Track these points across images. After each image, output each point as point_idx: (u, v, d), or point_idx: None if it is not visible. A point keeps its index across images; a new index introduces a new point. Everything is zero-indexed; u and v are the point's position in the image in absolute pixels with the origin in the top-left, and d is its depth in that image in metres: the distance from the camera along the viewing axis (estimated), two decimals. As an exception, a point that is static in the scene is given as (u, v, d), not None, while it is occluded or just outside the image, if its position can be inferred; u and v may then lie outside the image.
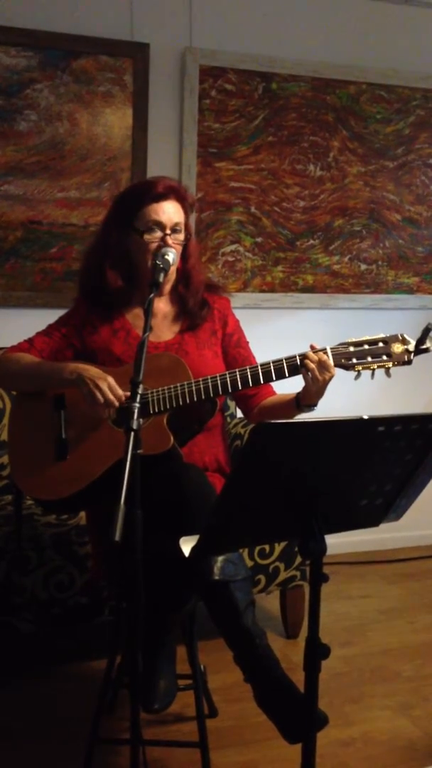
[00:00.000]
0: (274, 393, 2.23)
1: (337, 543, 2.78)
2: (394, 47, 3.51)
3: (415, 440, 1.41)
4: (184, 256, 2.18)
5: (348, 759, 2.17)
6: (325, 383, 1.95)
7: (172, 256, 2.00)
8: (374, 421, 1.33)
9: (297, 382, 2.02)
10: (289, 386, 2.08)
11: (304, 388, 1.99)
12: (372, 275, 3.65)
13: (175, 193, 2.11)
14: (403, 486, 1.50)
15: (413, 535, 3.79)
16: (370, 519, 1.56)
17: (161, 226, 2.07)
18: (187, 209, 2.15)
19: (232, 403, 3.06)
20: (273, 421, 1.29)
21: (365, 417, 1.33)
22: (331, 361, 1.92)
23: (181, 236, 2.12)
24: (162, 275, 1.93)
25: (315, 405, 2.04)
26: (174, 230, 2.09)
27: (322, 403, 2.06)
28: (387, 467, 1.44)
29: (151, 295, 1.79)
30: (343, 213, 3.56)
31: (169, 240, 2.07)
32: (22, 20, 2.98)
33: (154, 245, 2.06)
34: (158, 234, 2.07)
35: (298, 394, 2.05)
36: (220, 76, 3.27)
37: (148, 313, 1.74)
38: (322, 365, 1.92)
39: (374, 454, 1.40)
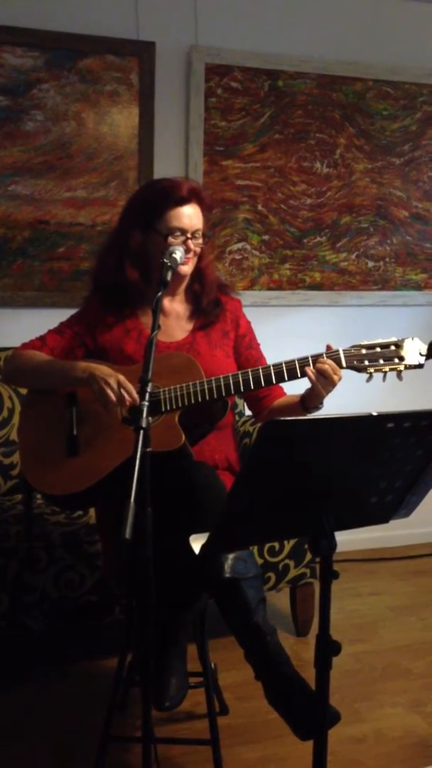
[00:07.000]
0: (284, 395, 2.23)
1: (346, 540, 2.76)
2: (400, 43, 3.50)
3: (425, 436, 1.41)
4: (200, 255, 2.18)
5: (360, 756, 2.17)
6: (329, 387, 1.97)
7: (179, 254, 2.00)
8: (384, 418, 1.33)
9: (306, 383, 2.03)
10: (301, 388, 2.08)
11: (310, 390, 1.99)
12: (379, 272, 3.65)
13: (197, 196, 2.12)
14: (413, 482, 1.50)
15: (423, 531, 3.78)
16: (380, 516, 1.56)
17: (184, 232, 2.08)
18: (205, 212, 2.15)
19: (240, 402, 3.06)
20: (282, 418, 1.29)
21: (374, 414, 1.32)
22: (340, 368, 1.93)
23: (201, 240, 2.13)
24: (169, 273, 1.92)
25: (320, 406, 2.05)
26: (194, 236, 2.10)
27: (332, 399, 2.06)
28: (397, 464, 1.44)
29: (159, 293, 1.79)
30: (350, 210, 3.55)
31: (191, 245, 2.08)
32: (28, 20, 2.99)
33: None
34: (181, 239, 2.08)
35: (303, 395, 2.06)
36: (226, 74, 3.27)
37: (156, 311, 1.74)
38: (330, 373, 1.92)
39: (384, 450, 1.40)
